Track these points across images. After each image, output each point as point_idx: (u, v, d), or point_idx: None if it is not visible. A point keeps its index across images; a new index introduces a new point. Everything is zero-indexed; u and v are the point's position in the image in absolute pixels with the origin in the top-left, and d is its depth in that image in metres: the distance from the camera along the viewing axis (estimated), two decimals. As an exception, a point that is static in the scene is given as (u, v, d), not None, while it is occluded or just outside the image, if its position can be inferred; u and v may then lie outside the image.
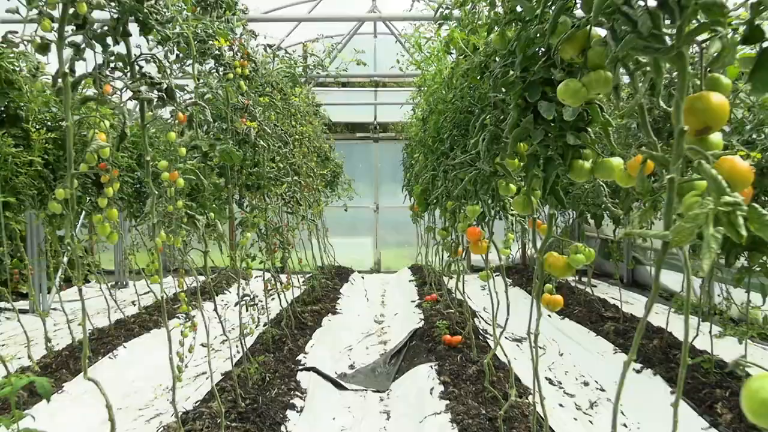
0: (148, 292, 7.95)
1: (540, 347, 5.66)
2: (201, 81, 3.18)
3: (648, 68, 1.67)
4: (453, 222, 4.67)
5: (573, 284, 8.35)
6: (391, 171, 11.16)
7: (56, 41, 1.74)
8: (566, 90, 1.75)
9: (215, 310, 3.38)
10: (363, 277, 9.95)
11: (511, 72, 2.38)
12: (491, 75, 2.64)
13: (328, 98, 10.46)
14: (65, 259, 7.90)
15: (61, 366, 4.33)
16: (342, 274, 9.47)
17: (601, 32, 1.74)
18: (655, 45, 1.31)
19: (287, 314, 5.41)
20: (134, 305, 6.94)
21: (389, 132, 11.74)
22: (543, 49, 2.10)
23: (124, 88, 2.06)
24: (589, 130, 2.13)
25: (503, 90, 2.45)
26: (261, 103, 4.12)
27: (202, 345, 5.43)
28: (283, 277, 5.39)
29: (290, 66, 5.62)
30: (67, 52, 1.92)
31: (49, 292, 7.47)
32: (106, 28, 2.05)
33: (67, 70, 1.75)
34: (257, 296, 4.21)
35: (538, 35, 1.97)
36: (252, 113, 3.63)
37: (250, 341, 4.91)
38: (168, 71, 2.27)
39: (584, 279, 8.77)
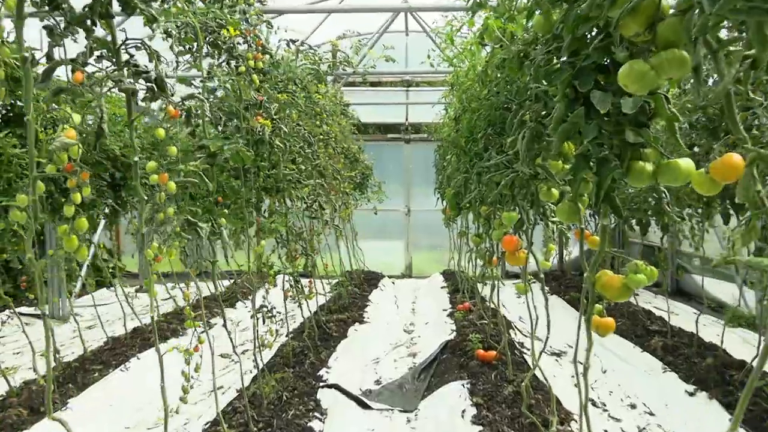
0: (169, 298, 7.79)
1: (580, 362, 5.28)
2: (209, 74, 2.90)
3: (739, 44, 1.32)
4: (487, 228, 4.33)
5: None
6: (423, 173, 10.81)
7: (15, 21, 1.47)
8: (630, 73, 1.41)
9: (224, 325, 3.09)
10: (393, 282, 9.63)
11: (557, 59, 2.04)
12: (531, 64, 2.31)
13: (358, 98, 10.19)
14: (86, 264, 7.78)
15: (69, 380, 4.11)
16: (371, 279, 9.17)
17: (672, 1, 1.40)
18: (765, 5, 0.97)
19: (310, 324, 5.12)
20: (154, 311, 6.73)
21: (421, 133, 11.40)
22: (596, 30, 1.76)
23: (106, 78, 1.78)
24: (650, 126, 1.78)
25: (546, 80, 2.11)
26: (279, 100, 3.83)
27: (222, 356, 5.19)
28: (306, 284, 5.11)
29: (314, 62, 5.34)
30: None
31: (70, 296, 7.33)
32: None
33: (27, 55, 1.48)
34: (275, 307, 3.92)
35: (593, 10, 1.62)
36: (267, 110, 3.34)
37: (269, 355, 4.63)
38: (159, 59, 1.99)
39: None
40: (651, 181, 1.75)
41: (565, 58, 1.82)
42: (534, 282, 4.70)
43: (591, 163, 1.78)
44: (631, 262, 1.80)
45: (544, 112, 2.29)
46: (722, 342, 4.43)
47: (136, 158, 1.98)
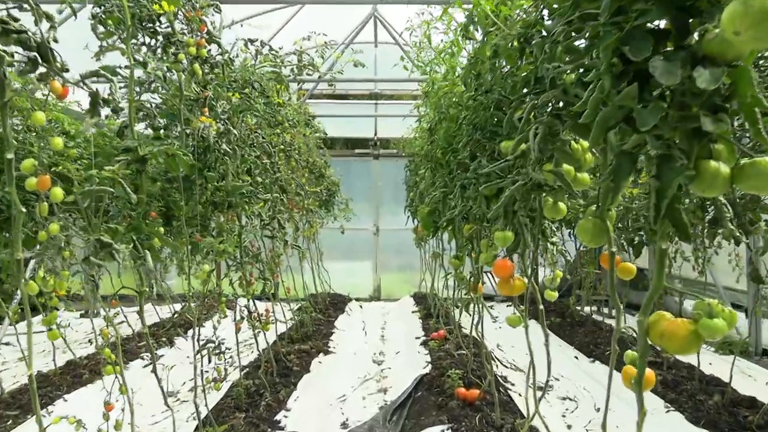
0: (121, 323, 7.06)
1: (570, 398, 4.78)
2: (138, 62, 2.34)
3: None
4: (470, 250, 3.82)
5: (591, 315, 7.45)
6: (393, 190, 10.31)
7: None
8: (734, 13, 0.92)
9: (153, 371, 2.50)
10: (361, 306, 9.05)
11: (576, 33, 1.59)
12: (545, 41, 1.82)
13: (324, 111, 9.67)
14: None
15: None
16: (337, 303, 8.58)
17: None
18: None
19: (267, 358, 4.52)
20: (90, 343, 6.02)
21: (391, 149, 10.93)
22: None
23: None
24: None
25: (569, 57, 1.62)
26: (230, 99, 3.28)
27: (170, 394, 4.54)
28: (261, 308, 4.50)
29: (276, 65, 4.80)
30: None
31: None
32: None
33: None
34: (224, 341, 3.32)
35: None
36: (214, 109, 2.79)
37: (218, 396, 4.01)
38: (44, 20, 1.43)
39: (605, 310, 7.89)
40: (725, 188, 1.26)
41: (606, 19, 1.32)
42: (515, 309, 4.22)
43: (649, 163, 1.28)
44: (702, 301, 1.29)
45: (560, 102, 1.79)
46: (731, 378, 3.97)
47: (9, 155, 1.41)
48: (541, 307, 2.72)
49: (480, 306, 3.58)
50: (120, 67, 2.45)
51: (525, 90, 2.35)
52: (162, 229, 3.31)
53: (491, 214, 2.20)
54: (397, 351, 5.99)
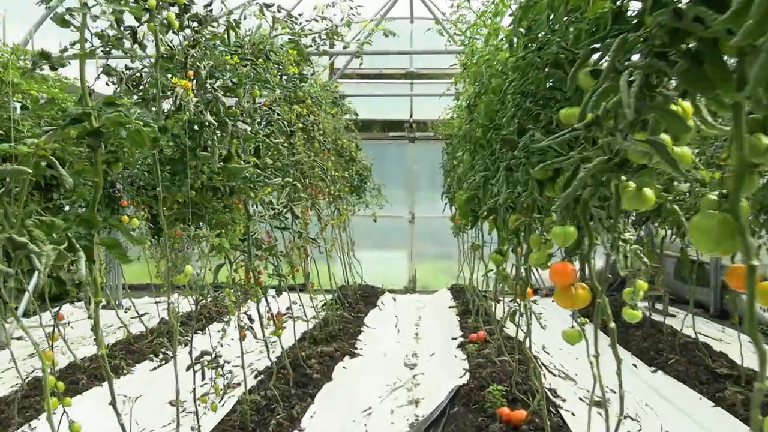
0: (144, 314, 6.70)
1: (631, 417, 4.13)
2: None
3: None
4: (515, 243, 3.21)
5: (648, 314, 6.72)
6: (429, 176, 9.68)
7: None
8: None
9: (111, 403, 1.98)
10: (395, 299, 8.49)
11: None
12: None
13: (356, 91, 9.08)
14: (35, 276, 6.69)
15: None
16: (369, 296, 8.04)
17: None
18: None
19: (282, 365, 4.00)
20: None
21: (427, 131, 10.30)
22: None
23: None
24: None
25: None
26: (234, 66, 2.74)
27: (171, 404, 4.09)
28: (284, 304, 3.97)
29: (294, 33, 4.24)
30: None
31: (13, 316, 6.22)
32: None
33: None
34: (220, 356, 2.79)
35: None
36: (198, 72, 2.24)
37: (222, 413, 3.50)
38: None
39: (658, 306, 7.14)
40: None
41: None
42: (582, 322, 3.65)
43: None
44: None
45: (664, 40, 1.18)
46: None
47: None
48: (612, 325, 2.10)
49: (528, 313, 2.97)
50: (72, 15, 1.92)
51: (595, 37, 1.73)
52: (135, 221, 2.81)
53: (558, 204, 1.59)
54: (431, 353, 5.42)
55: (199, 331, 5.82)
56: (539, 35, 2.30)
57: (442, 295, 8.43)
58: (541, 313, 6.87)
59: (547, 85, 2.13)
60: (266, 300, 3.80)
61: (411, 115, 10.02)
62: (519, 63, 2.43)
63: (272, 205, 3.34)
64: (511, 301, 4.43)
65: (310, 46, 4.52)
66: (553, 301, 3.55)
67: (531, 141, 2.13)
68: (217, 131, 2.48)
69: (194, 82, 2.37)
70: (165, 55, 2.12)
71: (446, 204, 7.32)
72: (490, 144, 3.71)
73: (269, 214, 3.25)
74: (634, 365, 4.86)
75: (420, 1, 8.16)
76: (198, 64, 2.33)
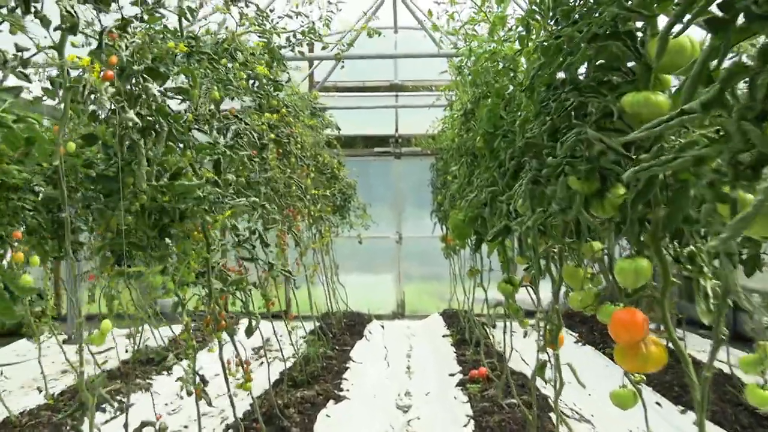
0: (107, 350, 6.04)
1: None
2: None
3: None
4: (536, 273, 2.63)
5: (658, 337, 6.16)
6: (417, 193, 9.12)
7: None
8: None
9: None
10: (383, 326, 7.86)
11: None
12: None
13: (338, 104, 8.54)
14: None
15: None
16: (354, 324, 7.40)
17: None
18: None
19: (252, 418, 3.37)
20: (40, 391, 4.88)
21: (414, 147, 9.76)
22: None
23: None
24: None
25: None
26: (172, 50, 2.16)
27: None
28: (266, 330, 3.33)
29: (265, 31, 3.67)
30: None
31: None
32: None
33: None
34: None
35: None
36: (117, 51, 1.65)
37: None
38: None
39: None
40: None
41: None
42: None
43: None
44: None
45: None
46: None
47: None
48: (700, 395, 1.52)
49: (558, 367, 2.37)
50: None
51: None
52: (35, 260, 2.22)
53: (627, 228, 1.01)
54: (426, 391, 4.80)
55: (164, 372, 5.15)
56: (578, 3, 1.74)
57: (434, 321, 7.82)
58: (526, 332, 6.30)
59: (601, 64, 1.56)
60: (233, 343, 3.18)
61: (396, 130, 9.47)
62: (549, 43, 1.86)
63: (236, 231, 2.73)
64: (508, 326, 3.87)
65: (285, 47, 3.95)
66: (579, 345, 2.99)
67: (577, 141, 1.55)
68: (149, 135, 1.88)
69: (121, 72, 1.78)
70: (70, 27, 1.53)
71: (435, 223, 6.77)
72: (495, 154, 3.17)
73: (232, 242, 2.65)
74: (658, 404, 4.28)
75: (404, 7, 7.64)
76: (119, 43, 1.74)
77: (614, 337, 1.49)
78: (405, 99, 9.27)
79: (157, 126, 2.03)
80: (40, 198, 2.94)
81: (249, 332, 3.31)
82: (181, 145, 2.40)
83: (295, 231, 4.14)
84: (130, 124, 1.73)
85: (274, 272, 2.95)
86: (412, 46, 9.27)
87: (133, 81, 1.85)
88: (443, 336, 6.70)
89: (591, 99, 1.57)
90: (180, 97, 2.65)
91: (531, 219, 1.88)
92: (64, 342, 7.17)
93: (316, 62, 8.31)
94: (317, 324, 6.13)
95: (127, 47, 1.78)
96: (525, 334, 3.19)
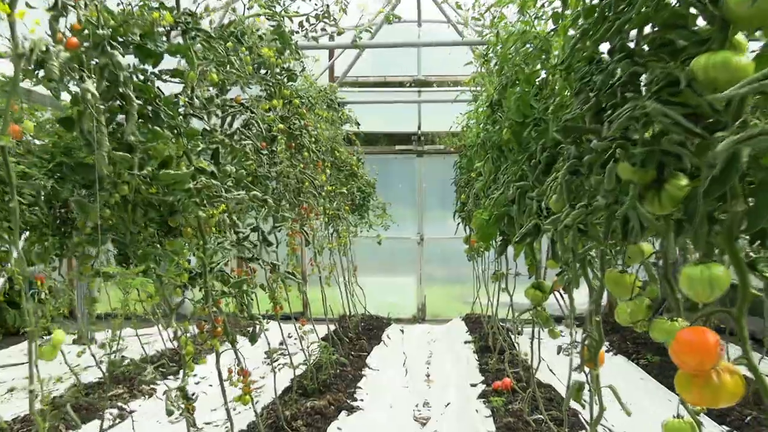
0: (113, 352, 5.87)
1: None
2: None
3: None
4: (573, 279, 2.31)
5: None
6: (440, 193, 8.82)
7: None
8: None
9: None
10: (402, 331, 7.56)
11: None
12: None
13: (360, 101, 8.28)
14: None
15: None
16: (373, 328, 7.11)
17: None
18: None
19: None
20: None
21: (437, 144, 9.46)
22: None
23: None
24: None
25: None
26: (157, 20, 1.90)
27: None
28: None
29: (275, 14, 3.41)
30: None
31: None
32: None
33: None
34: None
35: None
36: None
37: None
38: None
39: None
40: None
41: None
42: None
43: None
44: None
45: None
46: None
47: None
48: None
49: (598, 389, 2.05)
50: None
51: None
52: None
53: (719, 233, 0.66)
54: (446, 402, 4.49)
55: (171, 376, 4.93)
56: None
57: (456, 326, 7.50)
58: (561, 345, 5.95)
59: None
60: (235, 351, 2.92)
61: (419, 127, 9.17)
62: (593, 5, 1.56)
63: (235, 228, 2.47)
64: (535, 334, 3.55)
65: (297, 32, 3.69)
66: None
67: (630, 120, 1.24)
68: (130, 115, 1.62)
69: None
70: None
71: (459, 224, 6.46)
72: (525, 147, 2.87)
73: (229, 240, 2.38)
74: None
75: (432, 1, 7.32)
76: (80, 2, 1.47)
77: (678, 363, 1.19)
78: (428, 95, 8.96)
79: (133, 103, 1.77)
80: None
81: (252, 339, 3.05)
82: (173, 132, 2.14)
83: (306, 230, 3.86)
84: (89, 96, 1.47)
85: (277, 274, 2.68)
86: (437, 40, 8.99)
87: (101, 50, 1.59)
88: (465, 342, 6.38)
89: (651, 64, 1.26)
90: (175, 79, 2.40)
91: (569, 216, 1.57)
92: (74, 342, 7.01)
93: (336, 53, 8.04)
94: (332, 328, 5.85)
95: (86, 4, 1.51)
96: (560, 350, 2.87)
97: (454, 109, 6.53)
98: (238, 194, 2.30)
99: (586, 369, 2.00)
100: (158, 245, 2.09)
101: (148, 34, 2.04)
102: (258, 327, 3.00)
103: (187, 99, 2.29)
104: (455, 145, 7.36)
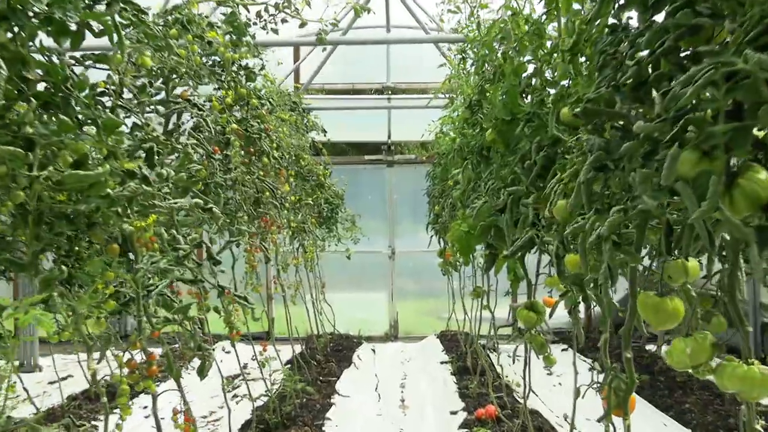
0: (64, 378, 5.48)
1: None
2: None
3: None
4: (606, 307, 1.97)
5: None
6: (412, 204, 8.47)
7: None
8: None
9: None
10: (374, 350, 7.13)
11: None
12: None
13: (326, 105, 7.90)
14: None
15: None
16: (342, 348, 6.68)
17: None
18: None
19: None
20: None
21: (408, 154, 9.11)
22: None
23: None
24: None
25: None
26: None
27: None
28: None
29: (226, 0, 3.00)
30: None
31: None
32: None
33: None
34: None
35: None
36: None
37: None
38: None
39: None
40: None
41: None
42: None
43: None
44: None
45: None
46: None
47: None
48: None
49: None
50: None
51: None
52: None
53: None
54: (424, 433, 4.09)
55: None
56: None
57: (431, 344, 7.11)
58: (548, 370, 5.61)
59: None
60: (179, 388, 2.49)
61: (389, 136, 8.81)
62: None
63: (175, 244, 2.04)
64: (521, 354, 3.19)
65: (255, 23, 3.28)
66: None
67: (707, 85, 0.88)
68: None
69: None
70: None
71: (432, 236, 6.10)
72: (514, 147, 2.53)
73: (166, 259, 1.95)
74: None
75: (400, 2, 6.98)
76: None
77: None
78: (399, 101, 8.61)
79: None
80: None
81: (201, 373, 2.61)
82: (91, 125, 1.72)
83: (264, 245, 3.43)
84: None
85: (226, 298, 2.26)
86: (407, 45, 8.65)
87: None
88: (441, 363, 5.99)
89: (731, 5, 0.89)
90: (101, 65, 1.98)
91: (605, 224, 1.19)
92: (18, 368, 6.43)
93: (302, 54, 7.65)
94: (299, 350, 5.40)
95: None
96: (578, 393, 2.51)
97: (425, 117, 6.20)
98: (174, 202, 1.88)
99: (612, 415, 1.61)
100: (65, 267, 1.65)
101: (56, 1, 1.63)
102: (207, 359, 2.57)
103: (111, 86, 1.87)
104: (426, 154, 7.03)
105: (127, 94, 2.19)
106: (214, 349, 2.39)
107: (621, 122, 1.28)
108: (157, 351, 6.41)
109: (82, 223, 1.75)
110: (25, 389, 4.17)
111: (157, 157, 2.19)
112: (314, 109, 6.47)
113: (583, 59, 1.86)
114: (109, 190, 1.62)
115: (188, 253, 2.03)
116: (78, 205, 1.63)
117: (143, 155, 2.03)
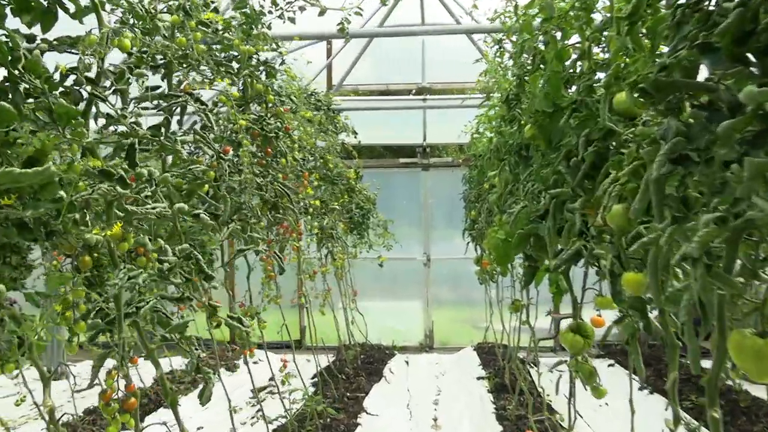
0: (83, 390, 5.19)
1: None
2: None
3: None
4: (692, 347, 1.61)
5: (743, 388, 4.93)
6: (448, 210, 8.10)
7: None
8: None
9: None
10: (407, 362, 6.79)
11: None
12: None
13: (358, 105, 7.62)
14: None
15: None
16: (373, 361, 6.36)
17: None
18: None
19: None
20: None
21: (444, 157, 8.78)
22: None
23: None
24: None
25: None
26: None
27: None
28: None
29: (239, -15, 2.73)
30: None
31: None
32: None
33: None
34: None
35: None
36: None
37: None
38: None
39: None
40: None
41: None
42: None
43: None
44: None
45: None
46: None
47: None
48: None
49: None
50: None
51: None
52: None
53: None
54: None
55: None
56: None
57: (467, 357, 6.73)
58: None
59: None
60: (176, 415, 2.22)
61: (424, 138, 8.47)
62: None
63: (163, 255, 1.76)
64: (555, 364, 2.82)
65: (268, 11, 3.00)
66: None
67: None
68: None
69: None
70: None
71: (468, 243, 5.76)
72: (556, 144, 2.18)
73: (143, 275, 1.67)
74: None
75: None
76: None
77: None
78: (434, 101, 8.27)
79: None
80: None
81: (203, 398, 2.34)
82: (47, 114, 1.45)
83: (278, 253, 3.14)
84: None
85: (216, 319, 1.98)
86: (442, 44, 8.33)
87: None
88: (478, 378, 5.61)
89: None
90: (73, 50, 1.73)
91: (697, 239, 0.85)
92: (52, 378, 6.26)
93: (334, 51, 7.37)
94: (326, 362, 5.11)
95: None
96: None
97: (463, 117, 5.86)
98: (153, 207, 1.60)
99: None
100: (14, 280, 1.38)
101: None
102: (211, 383, 2.29)
103: (80, 73, 1.60)
104: (462, 156, 6.69)
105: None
106: (212, 377, 2.09)
107: (707, 99, 0.93)
108: (178, 362, 6.15)
109: (40, 231, 1.48)
110: (35, 403, 3.96)
111: (159, 157, 1.94)
112: (346, 110, 6.19)
113: (644, 31, 1.51)
114: (62, 193, 1.35)
115: (173, 266, 1.74)
116: (26, 209, 1.35)
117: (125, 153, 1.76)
